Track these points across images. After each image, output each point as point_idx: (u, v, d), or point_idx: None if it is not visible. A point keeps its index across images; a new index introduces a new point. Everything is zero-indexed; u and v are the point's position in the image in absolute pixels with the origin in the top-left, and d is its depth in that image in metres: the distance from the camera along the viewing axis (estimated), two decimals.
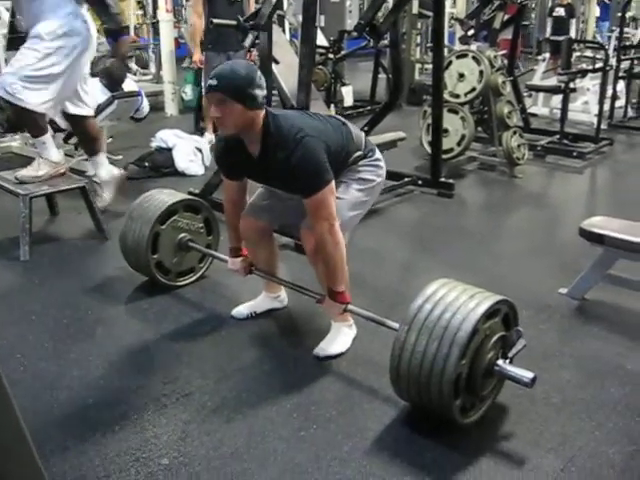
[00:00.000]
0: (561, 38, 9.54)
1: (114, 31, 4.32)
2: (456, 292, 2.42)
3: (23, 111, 4.13)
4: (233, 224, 3.09)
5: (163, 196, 3.58)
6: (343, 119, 2.97)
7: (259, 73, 2.65)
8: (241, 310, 3.28)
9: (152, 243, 3.43)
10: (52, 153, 4.31)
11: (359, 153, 2.90)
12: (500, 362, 2.44)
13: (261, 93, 2.60)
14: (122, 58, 4.64)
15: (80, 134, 4.84)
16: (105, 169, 4.78)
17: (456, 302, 2.36)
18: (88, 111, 4.67)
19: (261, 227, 3.09)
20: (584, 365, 2.96)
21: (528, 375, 2.39)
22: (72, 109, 4.57)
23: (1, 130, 6.15)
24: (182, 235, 3.53)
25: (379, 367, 2.78)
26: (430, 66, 10.27)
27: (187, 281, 3.65)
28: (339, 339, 2.98)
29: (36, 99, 4.08)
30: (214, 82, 2.56)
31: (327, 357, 2.92)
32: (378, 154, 3.01)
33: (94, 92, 5.44)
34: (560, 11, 12.49)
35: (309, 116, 2.86)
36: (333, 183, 2.68)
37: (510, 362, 2.47)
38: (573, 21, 12.20)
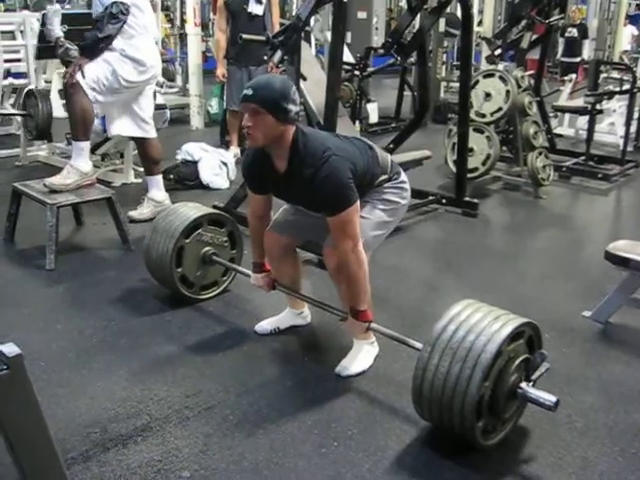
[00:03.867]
0: (574, 60, 9.57)
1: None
2: (480, 313, 2.41)
3: (81, 109, 4.29)
4: (257, 239, 3.11)
5: (188, 209, 3.60)
6: (370, 142, 2.98)
7: (294, 88, 2.67)
8: (264, 325, 3.29)
9: (176, 257, 3.45)
10: (84, 162, 4.37)
11: (384, 177, 2.92)
12: (523, 385, 2.42)
13: (294, 108, 2.62)
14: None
15: (141, 154, 4.97)
16: (159, 191, 4.92)
17: (480, 324, 2.35)
18: (147, 134, 4.79)
19: (285, 243, 3.10)
20: (608, 389, 2.93)
21: (551, 399, 2.37)
22: (136, 132, 4.74)
23: (30, 137, 6.24)
24: (206, 249, 3.55)
25: (400, 386, 2.78)
26: (455, 84, 10.32)
27: (210, 294, 3.67)
28: (361, 357, 2.98)
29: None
30: (250, 92, 2.59)
31: (349, 376, 2.91)
32: (403, 176, 3.02)
33: None
34: (573, 31, 12.23)
35: (337, 137, 2.88)
36: (358, 203, 2.69)
37: (533, 385, 2.46)
38: (586, 42, 11.86)
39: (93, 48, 4.33)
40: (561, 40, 12.90)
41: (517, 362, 2.40)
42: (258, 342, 3.22)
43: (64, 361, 3.03)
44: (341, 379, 2.90)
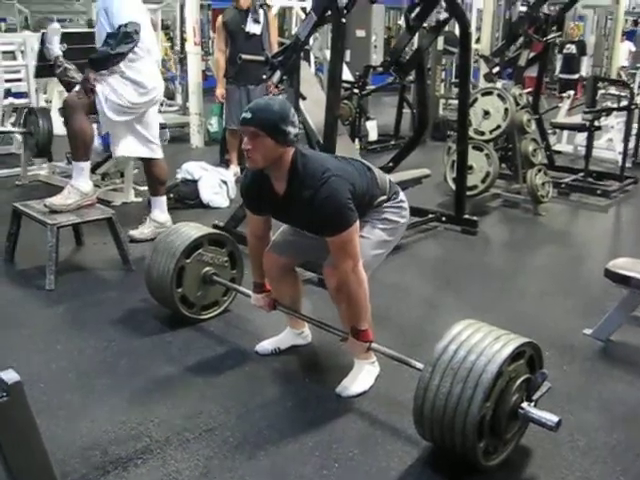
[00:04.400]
0: (572, 76, 9.60)
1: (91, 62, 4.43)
2: (481, 334, 2.41)
3: (80, 129, 4.31)
4: (257, 259, 3.11)
5: (188, 229, 3.61)
6: (368, 164, 2.99)
7: (293, 110, 2.68)
8: (265, 346, 3.28)
9: (177, 277, 3.46)
10: (84, 183, 4.39)
11: (383, 197, 2.93)
12: (525, 405, 2.42)
13: (293, 130, 2.64)
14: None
15: (147, 174, 4.99)
16: (161, 213, 4.94)
17: (481, 344, 2.36)
18: (154, 153, 4.83)
19: (284, 263, 3.10)
20: (609, 408, 2.92)
21: (553, 419, 2.36)
22: (143, 153, 4.78)
23: (31, 154, 6.25)
24: (207, 269, 3.56)
25: (401, 406, 2.78)
26: (454, 102, 10.37)
27: (211, 314, 3.67)
28: (362, 377, 2.97)
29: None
30: (248, 115, 2.60)
31: (349, 396, 2.90)
32: (402, 196, 3.03)
33: None
34: (571, 48, 12.23)
35: (336, 159, 2.89)
36: (357, 223, 2.70)
37: (535, 405, 2.45)
38: (585, 59, 11.83)
39: (104, 62, 4.34)
40: (559, 57, 12.94)
41: (518, 382, 2.39)
42: (259, 362, 3.22)
43: (64, 382, 3.02)
44: (342, 399, 2.89)
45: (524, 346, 2.43)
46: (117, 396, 2.92)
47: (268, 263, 3.09)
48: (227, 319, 3.68)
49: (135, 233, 4.81)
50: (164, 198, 4.97)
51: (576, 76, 10.79)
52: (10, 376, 1.35)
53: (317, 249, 2.93)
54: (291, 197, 2.73)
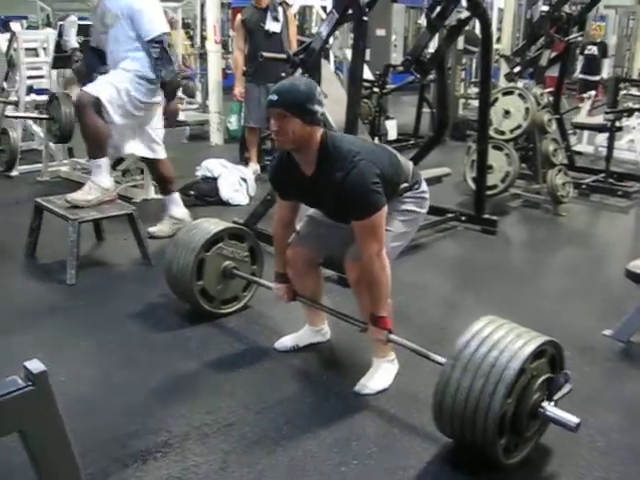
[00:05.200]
0: (593, 78, 9.52)
1: (169, 87, 4.55)
2: (503, 330, 2.41)
3: (94, 126, 4.33)
4: (281, 248, 3.10)
5: (209, 224, 3.63)
6: (393, 150, 2.99)
7: (319, 89, 2.68)
8: (284, 342, 3.29)
9: (197, 269, 3.47)
10: (104, 179, 4.41)
11: (405, 185, 2.92)
12: (545, 404, 2.41)
13: (320, 109, 2.63)
14: (172, 114, 4.82)
15: (154, 175, 5.06)
16: (178, 208, 4.95)
17: (504, 340, 2.35)
18: (159, 155, 4.86)
19: (308, 257, 3.11)
20: (630, 409, 2.90)
21: (574, 420, 2.35)
22: (147, 153, 4.81)
23: (54, 140, 6.29)
24: (227, 263, 3.57)
25: (420, 403, 2.77)
26: (474, 101, 10.33)
27: (231, 309, 3.67)
28: (380, 375, 2.97)
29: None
30: (274, 97, 2.60)
31: (368, 394, 2.90)
32: (424, 186, 3.03)
33: None
34: (593, 49, 12.07)
35: (365, 142, 2.90)
36: (385, 208, 2.69)
37: (555, 405, 2.44)
38: (606, 60, 11.62)
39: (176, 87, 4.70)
40: (580, 58, 12.83)
41: (540, 381, 2.39)
42: (278, 359, 3.22)
43: (84, 376, 3.04)
44: (361, 397, 2.89)
45: (546, 345, 2.42)
46: (136, 390, 2.93)
47: (293, 256, 3.09)
48: (246, 316, 3.69)
49: (154, 230, 4.84)
50: (176, 194, 4.98)
51: (597, 78, 10.68)
52: (36, 366, 1.37)
53: (340, 241, 2.94)
54: (320, 179, 2.72)
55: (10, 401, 1.31)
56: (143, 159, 5.04)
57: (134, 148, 4.77)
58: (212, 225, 3.62)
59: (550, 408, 2.40)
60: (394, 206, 2.89)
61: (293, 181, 2.84)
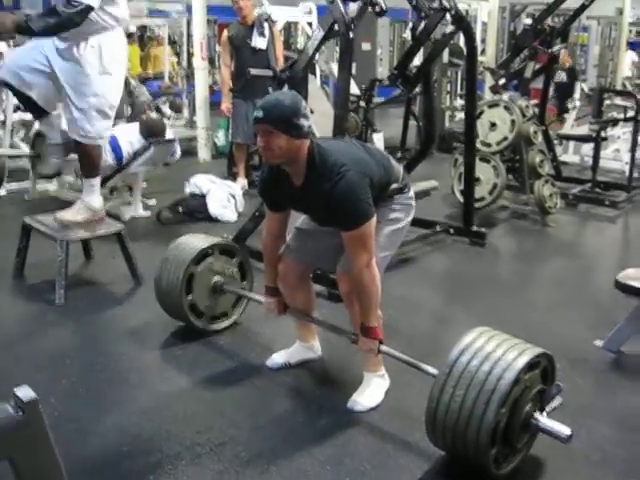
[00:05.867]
0: (565, 104, 9.53)
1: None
2: (496, 341, 2.42)
3: (91, 149, 4.25)
4: (271, 260, 3.09)
5: (198, 239, 3.63)
6: (386, 153, 3.00)
7: (304, 103, 2.67)
8: (275, 360, 3.28)
9: (186, 284, 3.45)
10: (95, 199, 4.37)
11: (395, 185, 2.91)
12: (537, 415, 2.42)
13: (306, 123, 2.62)
14: None
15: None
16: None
17: (497, 351, 2.37)
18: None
19: (300, 270, 3.11)
20: (622, 421, 2.91)
21: (565, 431, 2.36)
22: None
23: (38, 177, 6.23)
24: (216, 278, 3.55)
25: (413, 420, 2.77)
26: (460, 114, 10.37)
27: (220, 326, 3.66)
28: (372, 392, 2.96)
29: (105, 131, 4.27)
30: (260, 113, 2.59)
31: (361, 411, 2.90)
32: (411, 192, 3.03)
33: (131, 138, 5.60)
34: (562, 76, 11.64)
35: (355, 146, 2.88)
36: (374, 218, 2.69)
37: (547, 416, 2.45)
38: (577, 83, 11.39)
39: None
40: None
41: (533, 392, 2.40)
42: (269, 376, 3.21)
43: (74, 397, 3.02)
44: (353, 413, 2.89)
45: (540, 357, 2.43)
46: (128, 410, 2.91)
47: (285, 270, 3.08)
48: (237, 333, 3.68)
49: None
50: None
51: (569, 104, 10.54)
52: (26, 393, 1.35)
53: (329, 252, 2.95)
54: (308, 189, 2.72)
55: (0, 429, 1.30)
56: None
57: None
58: (202, 240, 3.61)
59: (542, 419, 2.42)
60: (382, 215, 2.87)
61: (283, 192, 2.83)
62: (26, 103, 4.44)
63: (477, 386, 2.29)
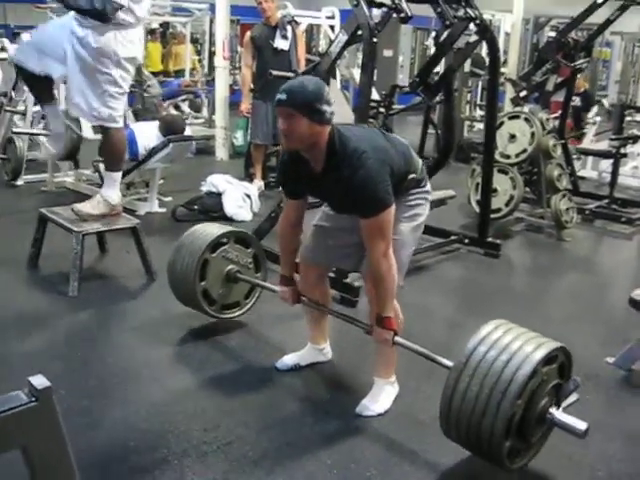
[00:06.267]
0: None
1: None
2: (513, 334, 2.41)
3: (117, 141, 4.29)
4: (287, 249, 3.07)
5: (214, 227, 3.64)
6: (405, 141, 2.97)
7: (327, 89, 2.66)
8: (285, 361, 3.28)
9: (200, 270, 3.44)
10: (114, 194, 4.39)
11: (414, 175, 2.88)
12: (553, 410, 2.39)
13: (329, 109, 2.59)
14: None
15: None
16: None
17: (515, 343, 2.35)
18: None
19: (320, 271, 3.13)
20: (632, 438, 2.89)
21: (581, 426, 2.34)
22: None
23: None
24: (231, 267, 3.54)
25: (422, 426, 2.77)
26: (479, 124, 10.35)
27: (232, 315, 3.64)
28: (381, 398, 2.96)
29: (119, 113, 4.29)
30: (283, 96, 2.58)
31: (369, 416, 2.89)
32: (429, 186, 3.02)
33: (150, 135, 5.62)
34: (576, 100, 11.13)
35: (376, 134, 2.86)
36: (393, 206, 2.66)
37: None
38: (593, 109, 10.98)
39: None
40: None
41: (550, 386, 2.37)
42: (279, 378, 3.21)
43: (85, 390, 3.03)
44: (362, 418, 2.88)
45: (557, 351, 2.41)
46: (137, 405, 2.92)
47: (305, 272, 3.10)
48: (248, 334, 3.68)
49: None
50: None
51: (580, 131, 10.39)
52: (40, 381, 1.35)
53: (351, 250, 2.96)
54: (328, 175, 2.69)
55: (13, 416, 1.30)
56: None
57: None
58: (217, 228, 3.62)
59: (558, 414, 2.39)
60: (401, 211, 2.84)
61: (302, 177, 2.81)
62: (32, 87, 4.52)
63: (494, 376, 2.27)
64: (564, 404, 2.44)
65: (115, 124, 4.27)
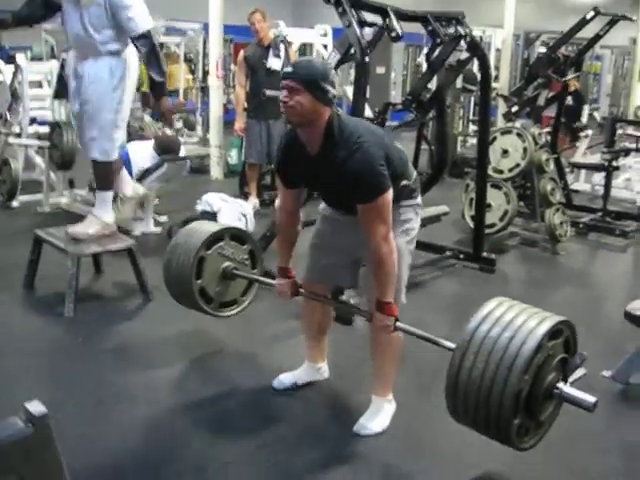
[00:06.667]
0: (573, 125, 9.50)
1: (159, 86, 4.35)
2: (515, 311, 2.40)
3: (108, 164, 4.30)
4: (284, 239, 3.07)
5: (209, 225, 3.64)
6: (401, 148, 2.96)
7: (334, 72, 2.72)
8: (282, 381, 3.27)
9: (197, 268, 3.40)
10: (106, 213, 4.41)
11: (408, 182, 2.87)
12: (560, 385, 2.37)
13: (332, 90, 2.63)
14: (165, 116, 4.76)
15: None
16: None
17: (519, 317, 2.34)
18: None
19: (321, 290, 3.12)
20: (631, 452, 2.90)
21: (590, 399, 2.32)
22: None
23: (54, 168, 6.32)
24: (227, 264, 3.50)
25: (420, 445, 2.77)
26: (472, 139, 10.38)
27: (229, 313, 3.58)
28: (379, 416, 2.95)
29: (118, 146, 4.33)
30: (290, 69, 2.64)
31: (367, 435, 2.89)
32: (419, 198, 3.01)
33: (144, 155, 5.64)
34: (568, 99, 11.40)
35: (377, 128, 2.91)
36: (391, 191, 2.66)
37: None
38: (585, 107, 11.28)
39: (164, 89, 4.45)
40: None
41: (555, 361, 2.35)
42: (276, 397, 3.21)
43: (82, 413, 3.03)
44: (360, 437, 2.88)
45: (562, 324, 2.39)
46: (135, 427, 2.92)
47: (307, 290, 3.10)
48: (244, 353, 3.69)
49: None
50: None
51: (577, 125, 10.52)
52: (36, 408, 1.35)
53: (347, 269, 3.01)
54: (324, 159, 2.69)
55: (9, 443, 1.30)
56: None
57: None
58: (212, 225, 3.61)
59: (566, 388, 2.37)
60: (394, 226, 2.81)
61: (297, 161, 2.81)
62: None
63: (499, 352, 2.24)
64: (571, 379, 2.41)
65: (112, 158, 4.35)
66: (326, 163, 2.70)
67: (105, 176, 4.40)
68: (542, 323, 2.30)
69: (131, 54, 4.28)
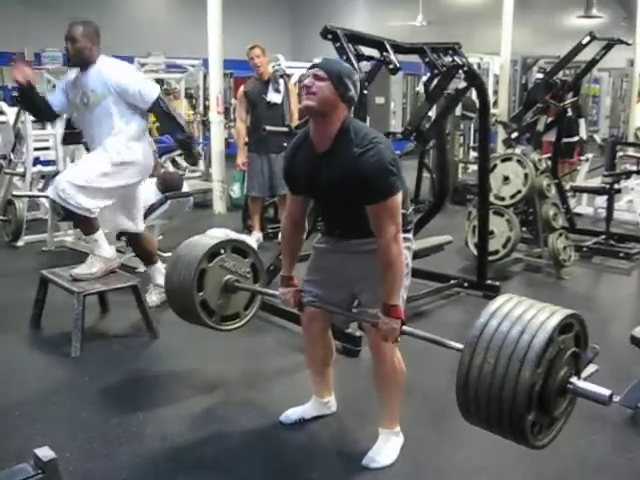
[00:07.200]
0: (572, 139, 9.56)
1: (187, 143, 4.63)
2: (525, 305, 2.35)
3: (74, 212, 4.31)
4: (288, 247, 3.07)
5: (210, 238, 3.61)
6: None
7: (358, 76, 2.81)
8: (289, 415, 3.27)
9: (198, 281, 3.35)
10: (104, 249, 4.44)
11: (404, 211, 2.84)
12: (574, 379, 2.33)
13: (353, 90, 2.70)
14: (196, 159, 5.03)
15: (137, 249, 5.03)
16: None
17: (528, 312, 2.29)
18: (138, 228, 4.85)
19: (322, 320, 3.09)
20: (638, 478, 2.87)
21: (605, 392, 2.27)
22: (130, 227, 4.80)
23: (58, 218, 6.36)
24: (228, 276, 3.45)
25: (428, 477, 2.74)
26: (473, 166, 10.42)
27: (232, 326, 3.52)
28: (387, 449, 2.95)
29: (88, 204, 4.27)
30: (319, 60, 2.74)
31: (376, 468, 2.88)
32: (412, 233, 3.02)
33: (148, 192, 5.68)
34: (568, 112, 11.47)
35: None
36: (401, 194, 2.68)
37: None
38: (582, 121, 11.40)
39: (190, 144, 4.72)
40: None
41: (567, 355, 2.31)
42: (283, 432, 3.20)
43: (90, 452, 3.02)
44: (369, 470, 2.87)
45: (572, 318, 2.34)
46: (143, 466, 2.91)
47: (307, 319, 3.10)
48: (251, 388, 3.69)
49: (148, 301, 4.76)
50: (160, 263, 4.92)
51: (576, 139, 10.62)
52: (46, 453, 1.37)
53: (334, 305, 2.97)
54: (335, 154, 2.69)
55: None
56: (124, 234, 5.01)
57: (113, 225, 4.78)
58: (214, 238, 3.59)
59: (579, 383, 2.32)
60: None
61: (302, 161, 2.82)
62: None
63: (510, 346, 2.20)
64: (584, 374, 2.38)
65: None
66: (336, 160, 2.69)
67: (84, 223, 4.43)
68: (552, 317, 2.25)
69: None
